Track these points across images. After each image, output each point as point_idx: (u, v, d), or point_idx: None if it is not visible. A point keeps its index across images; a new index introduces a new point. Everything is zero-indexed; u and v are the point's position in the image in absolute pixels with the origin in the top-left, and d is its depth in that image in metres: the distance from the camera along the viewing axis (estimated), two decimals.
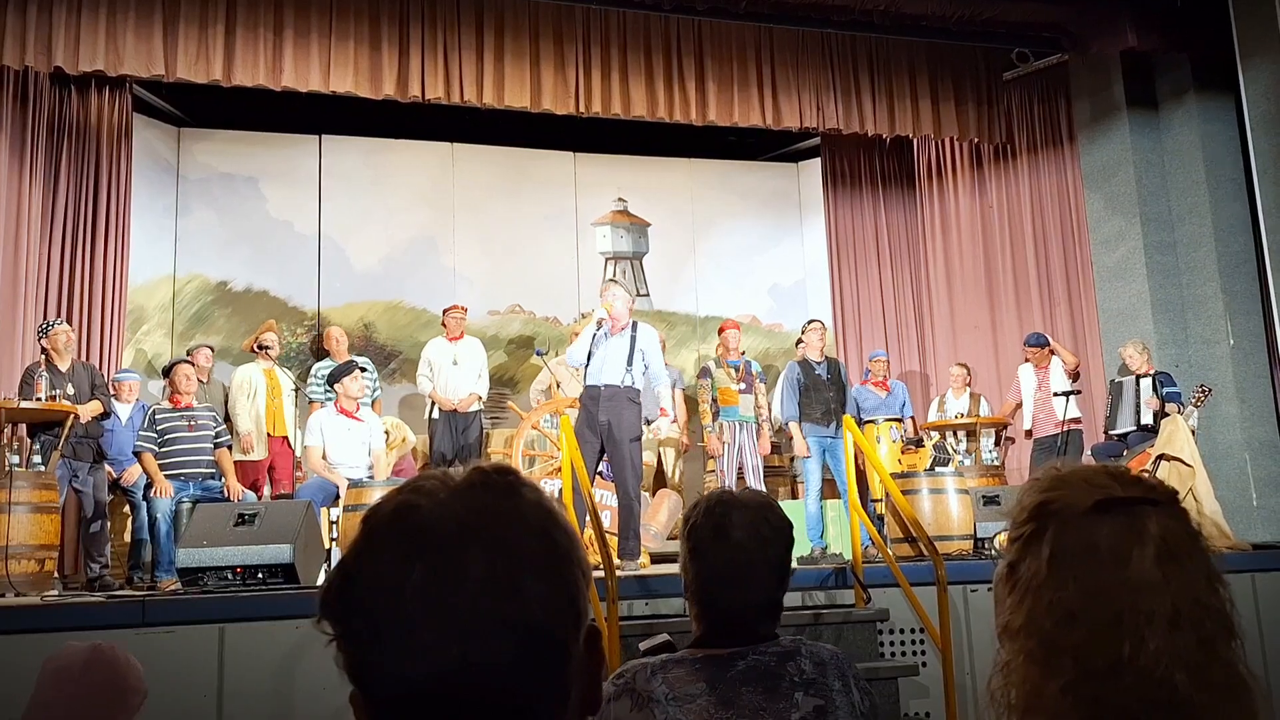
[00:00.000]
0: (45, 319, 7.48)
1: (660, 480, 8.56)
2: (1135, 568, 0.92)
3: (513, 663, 0.74)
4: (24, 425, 6.53)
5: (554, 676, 0.77)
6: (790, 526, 1.87)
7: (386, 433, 7.50)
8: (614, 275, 10.32)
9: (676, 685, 1.73)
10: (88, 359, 7.70)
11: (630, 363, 5.99)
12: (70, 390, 6.50)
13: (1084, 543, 0.94)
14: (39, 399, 6.22)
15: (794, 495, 8.33)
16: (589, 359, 6.04)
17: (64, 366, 6.65)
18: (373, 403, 7.99)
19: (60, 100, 8.39)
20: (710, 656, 1.77)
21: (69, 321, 7.94)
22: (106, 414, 6.71)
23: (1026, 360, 8.55)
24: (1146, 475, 1.02)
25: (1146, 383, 7.47)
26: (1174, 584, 0.91)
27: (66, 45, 7.07)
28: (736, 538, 1.77)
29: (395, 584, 0.74)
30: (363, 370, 7.25)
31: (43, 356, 6.63)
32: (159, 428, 6.66)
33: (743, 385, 7.34)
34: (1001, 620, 0.98)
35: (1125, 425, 7.57)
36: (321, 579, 5.60)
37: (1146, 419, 7.38)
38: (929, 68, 8.91)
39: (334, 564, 0.82)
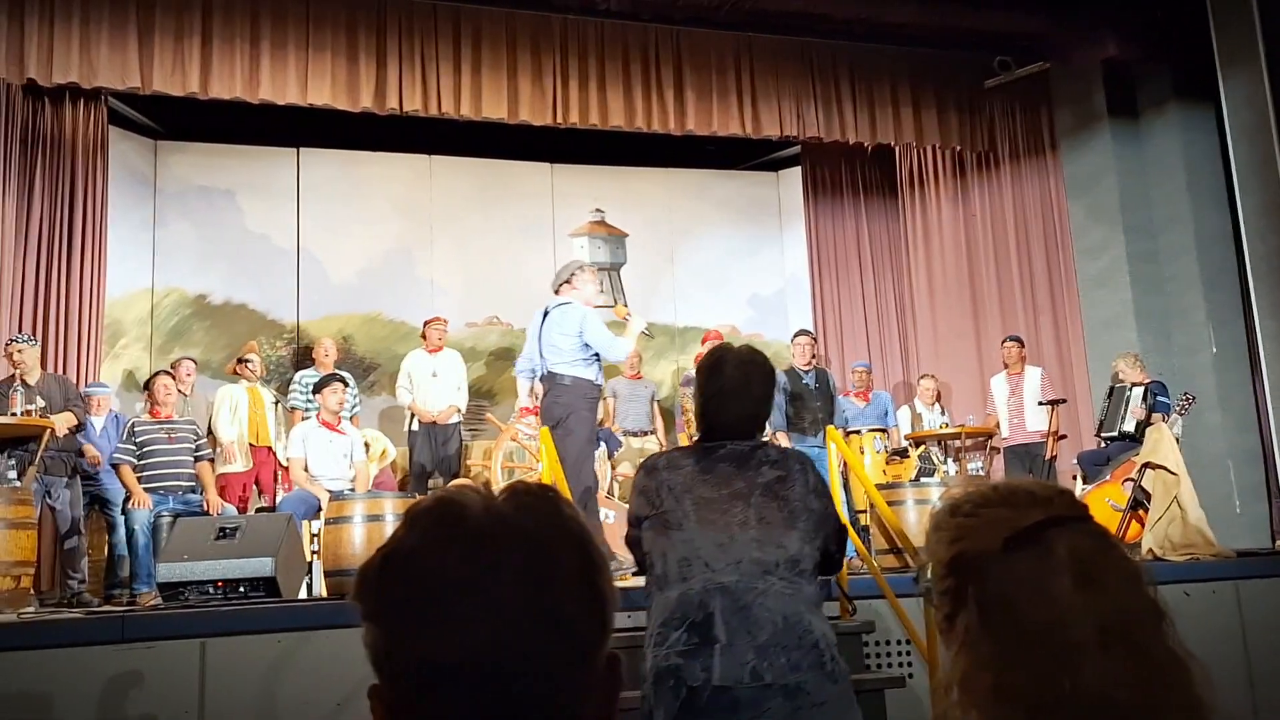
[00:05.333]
0: (19, 334, 7.36)
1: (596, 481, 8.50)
2: (1057, 599, 0.93)
3: (541, 653, 0.74)
4: None
5: (578, 674, 0.77)
6: (771, 370, 2.48)
7: (367, 445, 7.43)
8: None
9: (672, 460, 2.40)
10: (64, 373, 7.57)
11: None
12: (40, 403, 6.39)
13: (1005, 588, 0.95)
14: (14, 414, 6.12)
15: None
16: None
17: (33, 380, 6.53)
18: (352, 417, 7.93)
19: (34, 113, 8.28)
20: (699, 445, 2.42)
21: (45, 336, 7.85)
22: (80, 425, 6.61)
23: (1004, 366, 8.56)
24: (1045, 486, 1.02)
25: (1138, 391, 7.49)
26: (1096, 603, 0.92)
27: (40, 57, 6.98)
28: (727, 372, 2.41)
29: (433, 566, 0.75)
30: (344, 385, 7.19)
31: (16, 371, 6.52)
32: (138, 439, 6.56)
33: None
34: (947, 671, 0.99)
35: (1121, 428, 7.59)
36: (303, 593, 5.54)
37: (1129, 427, 7.41)
38: (910, 76, 8.94)
39: (376, 551, 0.80)
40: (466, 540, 0.76)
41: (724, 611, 2.14)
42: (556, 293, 5.61)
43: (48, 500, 6.46)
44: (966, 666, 0.96)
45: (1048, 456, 8.02)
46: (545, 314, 5.48)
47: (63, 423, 6.39)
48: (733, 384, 2.39)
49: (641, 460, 2.49)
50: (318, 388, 7.11)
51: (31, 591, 5.87)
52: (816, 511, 2.30)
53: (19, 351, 6.59)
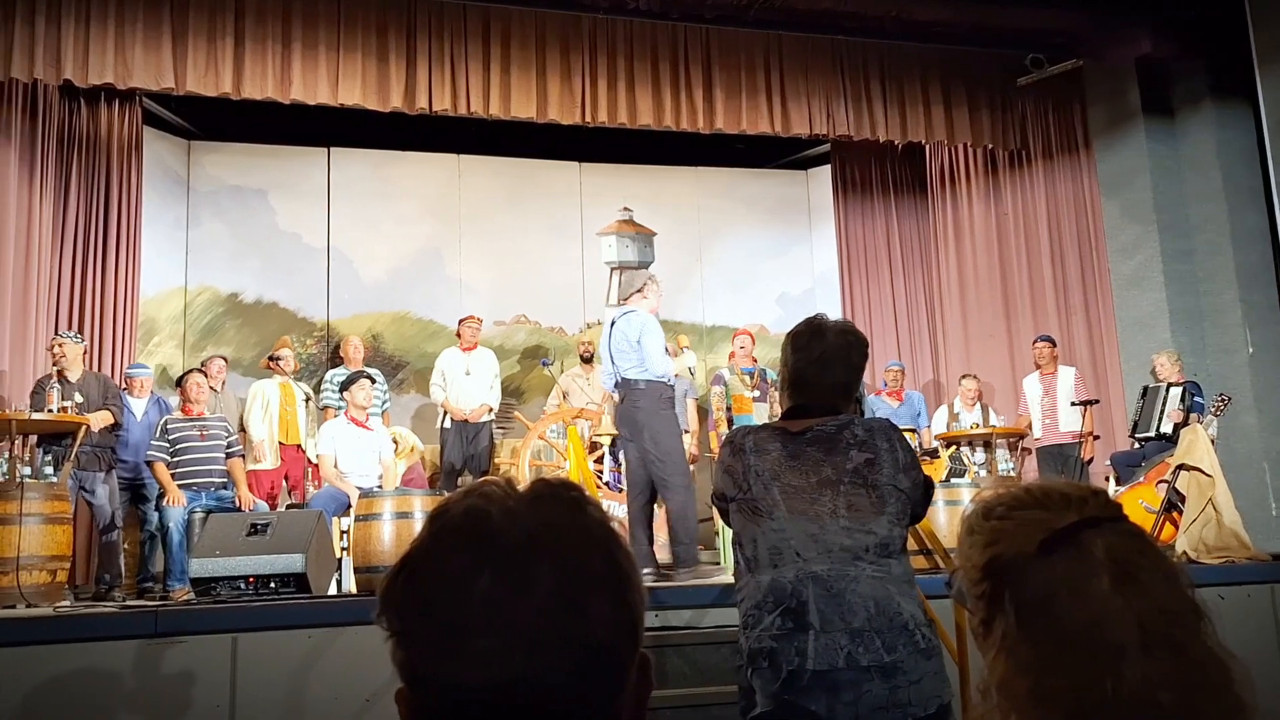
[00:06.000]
0: (56, 331, 7.48)
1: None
2: (1096, 600, 0.92)
3: (571, 680, 0.73)
4: (35, 436, 6.51)
5: (610, 697, 0.76)
6: (867, 343, 2.46)
7: (395, 442, 7.48)
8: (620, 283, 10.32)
9: (759, 442, 2.33)
10: (99, 370, 7.67)
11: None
12: (79, 399, 6.49)
13: (1042, 591, 0.94)
14: (50, 410, 6.21)
15: None
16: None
17: (74, 377, 6.64)
18: (382, 414, 7.99)
19: (70, 113, 8.40)
20: (784, 429, 2.35)
21: (80, 333, 7.95)
22: (117, 424, 6.69)
23: (1036, 367, 8.46)
24: (1078, 487, 1.01)
25: (1176, 392, 7.39)
26: (1136, 603, 0.91)
27: (75, 58, 7.08)
28: (829, 339, 2.36)
29: (461, 588, 0.73)
30: (372, 381, 7.24)
31: (55, 368, 6.62)
32: (170, 437, 6.64)
33: (757, 393, 7.31)
34: (985, 676, 0.98)
35: (1154, 429, 7.49)
36: (333, 589, 5.59)
37: (1166, 428, 7.31)
38: (941, 73, 8.87)
39: (399, 560, 0.80)
40: (498, 562, 0.74)
41: (817, 599, 2.16)
42: (624, 301, 5.79)
43: (84, 495, 6.55)
44: (1004, 671, 0.95)
45: (1083, 458, 7.93)
46: (612, 323, 5.67)
47: (99, 420, 6.48)
48: (834, 350, 2.36)
49: (726, 436, 2.43)
50: (345, 385, 7.18)
51: (67, 585, 5.97)
52: (905, 490, 2.29)
53: (59, 345, 6.72)
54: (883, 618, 2.15)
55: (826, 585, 2.17)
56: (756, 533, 2.27)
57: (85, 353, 6.98)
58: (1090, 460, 8.02)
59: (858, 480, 2.25)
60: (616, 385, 5.61)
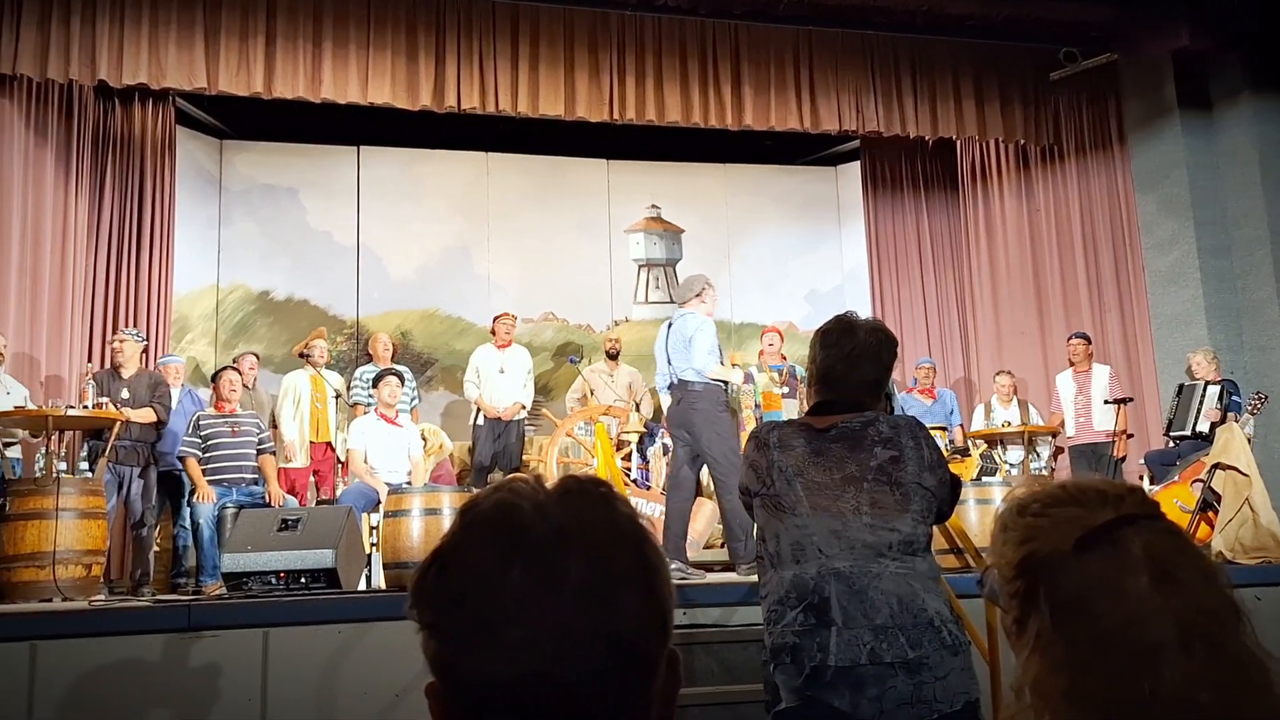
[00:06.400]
0: (129, 327, 7.64)
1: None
2: (1134, 599, 0.91)
3: (601, 673, 0.73)
4: (73, 432, 6.63)
5: (639, 691, 0.76)
6: (896, 342, 2.45)
7: (424, 439, 7.51)
8: (649, 281, 10.32)
9: (783, 438, 2.33)
10: (110, 368, 7.76)
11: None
12: (125, 395, 6.60)
13: (1078, 589, 0.93)
14: (85, 406, 6.30)
15: None
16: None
17: (128, 374, 6.80)
18: (411, 411, 8.02)
19: (105, 113, 8.51)
20: (809, 425, 2.34)
21: (114, 330, 8.08)
22: (161, 423, 6.77)
23: (1070, 364, 8.37)
24: (1114, 484, 1.00)
25: (1214, 390, 7.28)
26: (1174, 602, 0.90)
27: (110, 58, 7.17)
28: (860, 336, 2.35)
29: (493, 582, 0.73)
30: (400, 379, 7.27)
31: (111, 364, 6.83)
32: (203, 433, 6.71)
33: (786, 389, 7.27)
34: (1018, 675, 0.97)
35: (1189, 428, 7.38)
36: (362, 584, 5.62)
37: (1203, 427, 7.20)
38: (973, 68, 8.79)
39: (430, 553, 0.80)
40: (528, 556, 0.74)
41: (839, 595, 2.16)
42: (682, 305, 5.90)
43: (120, 490, 6.65)
44: (1039, 670, 0.94)
45: (1116, 456, 7.83)
46: (669, 326, 5.79)
47: (140, 417, 6.59)
48: (864, 348, 2.35)
49: (751, 431, 2.46)
50: (374, 382, 7.23)
51: (102, 579, 6.04)
52: (931, 488, 2.27)
53: (119, 342, 6.91)
54: (906, 614, 2.15)
55: (849, 582, 2.16)
56: (780, 528, 2.27)
57: (145, 351, 7.13)
58: (1124, 459, 7.92)
59: (882, 477, 2.24)
60: (671, 387, 5.72)
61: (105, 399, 6.45)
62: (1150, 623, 0.90)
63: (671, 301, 10.39)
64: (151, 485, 6.78)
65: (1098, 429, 8.00)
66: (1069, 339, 8.40)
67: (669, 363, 5.68)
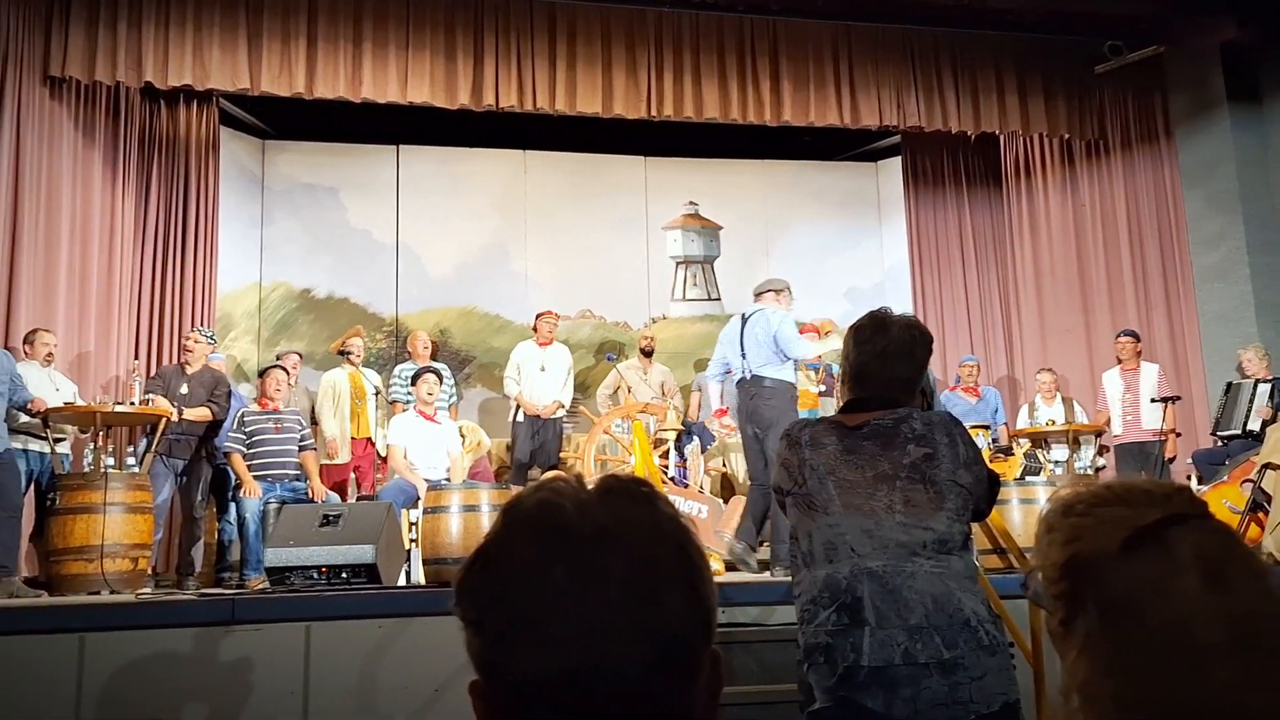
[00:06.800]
0: (201, 326, 7.88)
1: (734, 487, 8.46)
2: (1182, 600, 0.88)
3: (645, 671, 0.73)
4: (120, 428, 6.78)
5: (683, 689, 0.76)
6: (932, 338, 2.41)
7: (462, 435, 7.55)
8: (686, 278, 10.33)
9: (815, 436, 2.30)
10: (178, 364, 7.89)
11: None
12: (184, 391, 6.73)
13: (1126, 590, 0.91)
14: (132, 403, 6.41)
15: None
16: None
17: (193, 369, 6.97)
18: (450, 408, 8.07)
19: (151, 114, 8.64)
20: (841, 423, 2.31)
21: (160, 328, 8.24)
22: (217, 421, 6.88)
23: (1118, 362, 8.23)
24: (1161, 484, 0.97)
25: (1265, 388, 7.13)
26: (1225, 603, 0.88)
27: (156, 61, 7.30)
28: (894, 333, 2.33)
29: (537, 579, 0.74)
30: (438, 377, 7.32)
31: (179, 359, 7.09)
32: (247, 429, 6.80)
33: (823, 388, 7.23)
34: (1064, 678, 0.95)
35: (1237, 427, 7.24)
36: (402, 580, 5.67)
37: (1254, 426, 7.05)
38: (1016, 62, 8.68)
39: (474, 551, 0.81)
40: (571, 554, 0.74)
41: (872, 595, 2.13)
42: (757, 298, 5.95)
43: (175, 481, 6.79)
44: (1086, 673, 0.92)
45: (1166, 455, 7.68)
46: (744, 320, 5.79)
47: (193, 414, 6.75)
48: (898, 345, 2.32)
49: (784, 429, 2.42)
50: (413, 380, 7.28)
51: (149, 572, 6.15)
52: (966, 486, 2.23)
53: (190, 340, 7.14)
54: (942, 614, 2.11)
55: (882, 581, 2.14)
56: (812, 528, 2.25)
57: (213, 349, 7.30)
58: (1173, 459, 7.78)
59: (915, 475, 2.21)
60: (741, 381, 5.71)
61: (150, 396, 6.58)
62: (1200, 624, 0.88)
63: (709, 299, 10.41)
64: (200, 479, 6.89)
65: (1145, 428, 7.86)
66: (1117, 336, 8.26)
67: (743, 356, 5.67)
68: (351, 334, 8.29)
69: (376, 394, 8.10)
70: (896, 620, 2.11)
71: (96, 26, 7.24)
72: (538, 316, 8.47)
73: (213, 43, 7.42)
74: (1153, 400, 7.81)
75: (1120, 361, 8.15)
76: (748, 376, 5.65)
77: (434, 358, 8.63)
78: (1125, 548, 0.92)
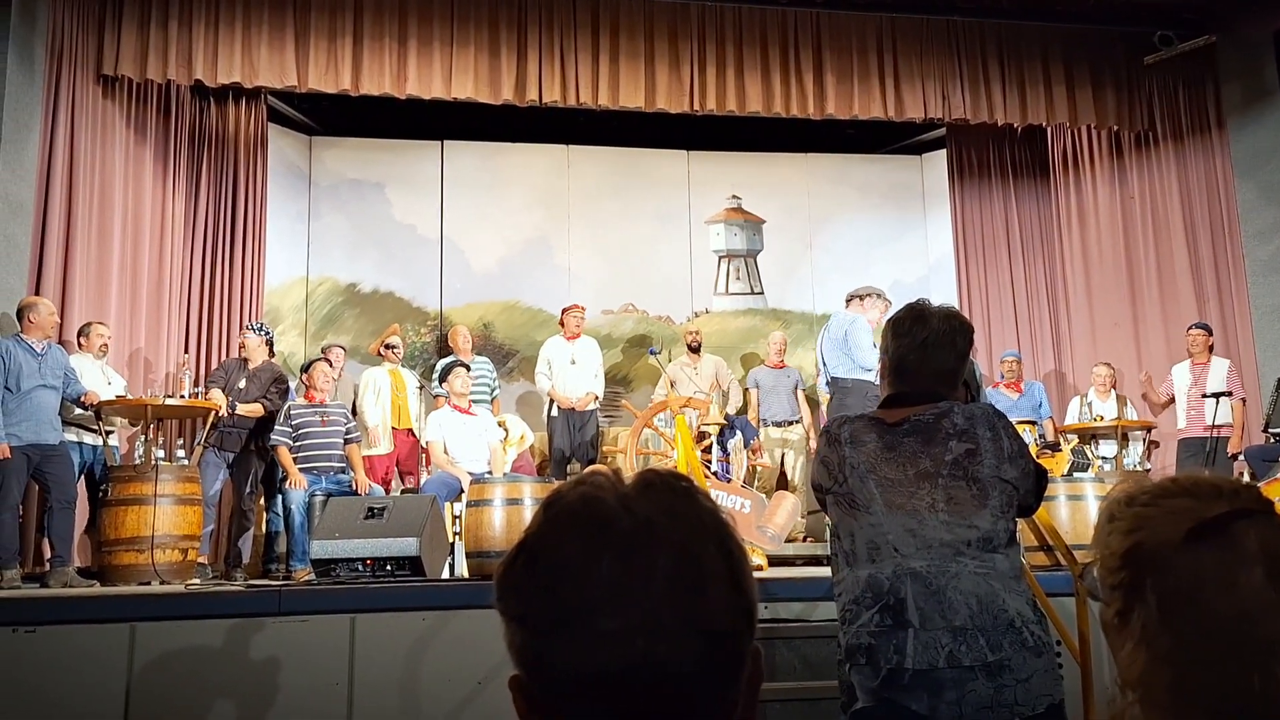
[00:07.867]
0: (256, 320, 8.03)
1: (781, 482, 8.43)
2: (1246, 594, 0.88)
3: (692, 665, 0.73)
4: (170, 420, 6.92)
5: (728, 684, 0.76)
6: (973, 329, 2.36)
7: (504, 429, 7.59)
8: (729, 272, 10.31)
9: (855, 433, 2.26)
10: (226, 357, 8.02)
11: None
12: (241, 385, 6.87)
13: (1188, 581, 0.90)
14: (182, 396, 6.53)
15: None
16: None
17: (254, 365, 7.13)
18: (492, 401, 8.13)
19: (200, 112, 8.78)
20: (881, 419, 2.27)
21: (209, 322, 8.37)
22: (269, 417, 7.00)
23: (1188, 355, 8.02)
24: (1228, 479, 0.96)
25: None
26: None
27: (205, 59, 7.42)
28: (933, 324, 2.28)
29: (582, 573, 0.73)
30: (467, 369, 7.36)
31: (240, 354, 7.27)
32: (294, 422, 6.89)
33: None
34: (1120, 670, 0.94)
35: None
36: (446, 573, 5.72)
37: None
38: (1063, 53, 8.53)
39: (516, 546, 0.80)
40: (615, 548, 0.74)
41: (916, 596, 2.09)
42: (847, 305, 6.21)
43: (224, 473, 6.92)
44: (1145, 664, 0.92)
45: (1230, 451, 7.49)
46: (828, 325, 6.17)
47: (245, 410, 6.89)
48: (938, 336, 2.27)
49: (823, 426, 2.38)
50: (443, 374, 7.33)
51: (198, 563, 6.26)
52: (1011, 480, 2.18)
53: (244, 334, 7.34)
54: (986, 615, 2.08)
55: (925, 582, 2.10)
56: (854, 526, 2.21)
57: (267, 343, 7.42)
58: (1238, 455, 7.58)
59: (958, 472, 2.16)
60: (828, 384, 6.03)
61: (207, 387, 6.73)
62: (1264, 618, 0.87)
63: (752, 293, 10.39)
64: (247, 472, 7.00)
65: (1212, 423, 7.67)
66: (1188, 329, 8.03)
67: (823, 362, 5.99)
68: (389, 333, 8.38)
69: (420, 389, 8.18)
70: (941, 622, 2.07)
71: (148, 26, 7.38)
72: (565, 311, 8.52)
73: (261, 41, 7.53)
74: (1203, 396, 7.64)
75: (1191, 355, 7.95)
76: (829, 379, 5.92)
77: (477, 351, 8.69)
78: (1189, 538, 0.91)
